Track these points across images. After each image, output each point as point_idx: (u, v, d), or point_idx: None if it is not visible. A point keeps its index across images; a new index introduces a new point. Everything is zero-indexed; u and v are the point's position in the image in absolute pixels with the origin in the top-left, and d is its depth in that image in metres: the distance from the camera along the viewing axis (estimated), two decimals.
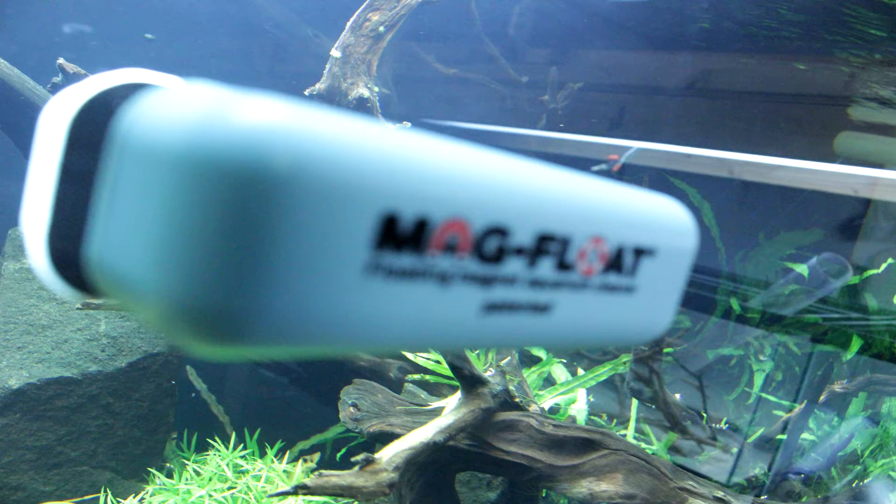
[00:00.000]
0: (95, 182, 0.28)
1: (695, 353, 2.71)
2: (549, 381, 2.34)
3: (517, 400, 1.71)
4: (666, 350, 2.43)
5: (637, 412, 2.31)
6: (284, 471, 2.27)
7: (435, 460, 1.60)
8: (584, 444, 1.60)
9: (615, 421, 2.37)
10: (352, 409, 1.76)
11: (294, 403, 2.84)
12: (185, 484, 2.17)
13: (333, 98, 2.07)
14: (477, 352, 1.90)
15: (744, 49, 2.79)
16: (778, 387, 2.68)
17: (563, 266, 0.32)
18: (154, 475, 2.21)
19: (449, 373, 1.97)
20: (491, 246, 0.29)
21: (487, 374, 1.68)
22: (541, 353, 2.37)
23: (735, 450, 2.23)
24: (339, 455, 2.39)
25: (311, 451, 2.48)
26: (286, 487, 1.26)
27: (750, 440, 2.27)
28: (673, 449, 2.23)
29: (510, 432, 1.63)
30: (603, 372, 2.28)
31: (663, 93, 3.12)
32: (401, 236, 0.25)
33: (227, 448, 2.36)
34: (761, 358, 2.69)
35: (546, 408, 2.08)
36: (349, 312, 0.25)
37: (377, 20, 2.10)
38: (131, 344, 2.19)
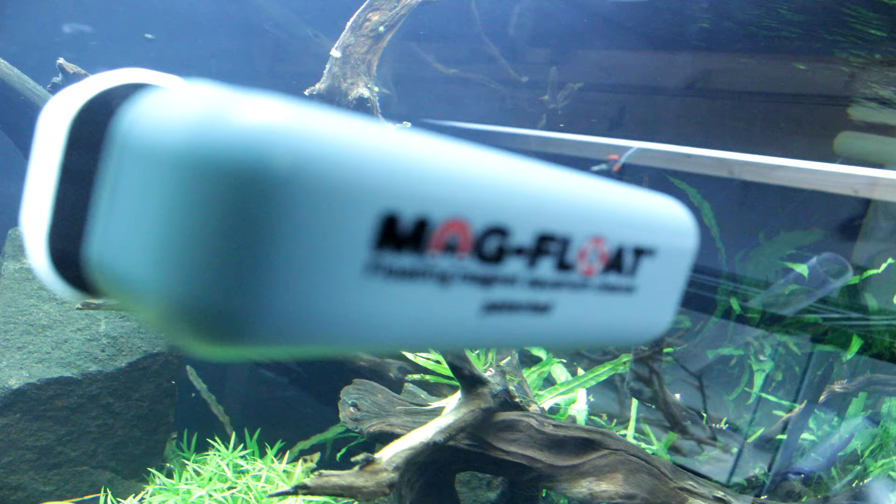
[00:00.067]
0: (95, 182, 0.28)
1: (695, 353, 2.71)
2: (549, 381, 2.34)
3: (517, 400, 1.71)
4: (666, 350, 2.43)
5: (637, 412, 2.31)
6: (284, 471, 2.27)
7: (435, 460, 1.60)
8: (584, 444, 1.60)
9: (615, 421, 2.37)
10: (352, 409, 1.76)
11: (294, 403, 2.84)
12: (185, 484, 2.17)
13: (333, 98, 2.07)
14: (477, 352, 1.90)
15: (744, 49, 2.79)
16: (778, 387, 2.68)
17: (563, 266, 0.32)
18: (154, 475, 2.21)
19: (449, 373, 1.97)
20: (491, 246, 0.29)
21: (487, 374, 1.68)
22: (541, 353, 2.37)
23: (735, 450, 2.23)
24: (339, 455, 2.39)
25: (311, 451, 2.48)
26: (286, 487, 1.26)
27: (750, 440, 2.27)
28: (673, 449, 2.23)
29: (510, 432, 1.63)
30: (603, 372, 2.28)
31: (663, 93, 3.13)
32: (401, 236, 0.25)
33: (227, 448, 2.36)
34: (761, 358, 2.69)
35: (546, 408, 2.08)
36: (349, 312, 0.25)
37: (377, 20, 2.10)
38: (131, 344, 2.19)
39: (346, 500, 1.71)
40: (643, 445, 2.10)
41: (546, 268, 0.31)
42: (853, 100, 2.57)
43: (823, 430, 2.33)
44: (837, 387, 2.29)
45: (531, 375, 2.23)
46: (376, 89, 2.12)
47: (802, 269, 2.33)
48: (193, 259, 0.22)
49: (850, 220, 2.49)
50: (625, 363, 2.28)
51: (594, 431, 1.63)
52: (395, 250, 0.25)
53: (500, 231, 0.29)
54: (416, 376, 2.19)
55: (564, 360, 2.43)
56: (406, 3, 2.12)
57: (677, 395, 2.33)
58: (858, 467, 2.11)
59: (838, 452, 2.18)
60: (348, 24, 2.11)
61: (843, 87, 2.57)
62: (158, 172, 0.23)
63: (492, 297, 0.30)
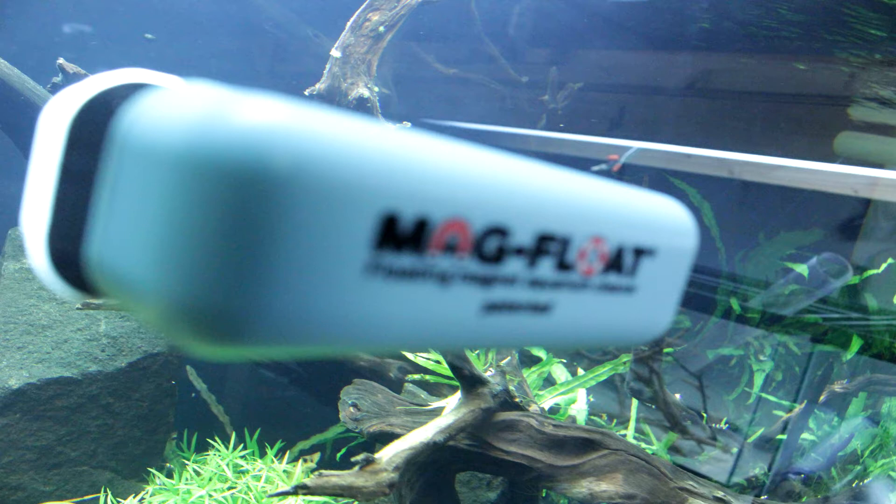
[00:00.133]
0: (95, 182, 0.28)
1: (695, 353, 2.71)
2: (549, 381, 2.34)
3: (517, 400, 1.71)
4: (666, 350, 2.43)
5: (637, 412, 2.31)
6: (284, 471, 2.27)
7: (435, 460, 1.60)
8: (584, 444, 1.60)
9: (615, 421, 2.37)
10: (352, 409, 1.76)
11: (294, 403, 2.84)
12: (185, 484, 2.17)
13: (333, 98, 2.07)
14: (477, 352, 1.90)
15: (744, 49, 2.79)
16: (778, 387, 2.68)
17: (563, 266, 0.32)
18: (154, 475, 2.21)
19: (449, 373, 1.97)
20: (491, 246, 0.29)
21: (487, 374, 1.68)
22: (541, 353, 2.37)
23: (735, 450, 2.23)
24: (339, 455, 2.39)
25: (311, 451, 2.48)
26: (286, 487, 1.26)
27: (750, 440, 2.27)
28: (673, 449, 2.23)
29: (510, 432, 1.63)
30: (603, 372, 2.28)
31: (663, 93, 3.13)
32: (401, 236, 0.25)
33: (227, 448, 2.36)
34: (761, 358, 2.69)
35: (546, 408, 2.08)
36: (349, 312, 0.25)
37: (377, 20, 2.10)
38: (131, 344, 2.19)
39: (346, 500, 1.71)
40: (643, 445, 2.10)
41: (546, 268, 0.31)
42: (853, 100, 2.57)
43: (823, 430, 2.33)
44: (837, 387, 2.29)
45: (531, 375, 2.23)
46: (376, 89, 2.12)
47: (802, 269, 2.33)
48: (193, 259, 0.22)
49: (850, 220, 2.49)
50: (625, 363, 2.28)
51: (594, 431, 1.63)
52: (395, 250, 0.25)
53: (500, 231, 0.29)
54: (416, 376, 2.19)
55: (564, 360, 2.43)
56: (406, 3, 2.12)
57: (677, 395, 2.33)
58: (858, 467, 2.11)
59: (838, 452, 2.18)
60: (348, 24, 2.11)
61: (843, 87, 2.57)
62: (158, 172, 0.23)
63: (492, 297, 0.30)
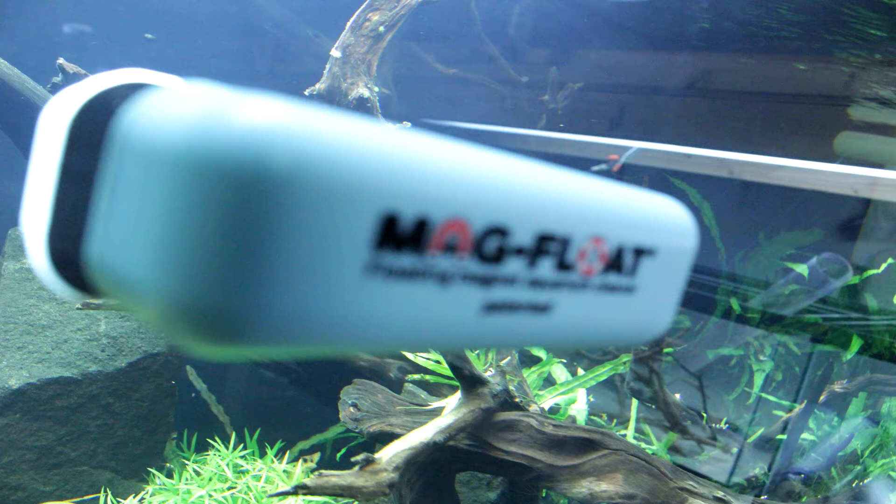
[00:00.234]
0: (95, 182, 0.28)
1: (695, 353, 2.71)
2: (549, 381, 2.34)
3: (517, 400, 1.71)
4: (666, 350, 2.43)
5: (637, 412, 2.31)
6: (284, 471, 2.27)
7: (435, 460, 1.60)
8: (584, 444, 1.60)
9: (615, 421, 2.37)
10: (352, 409, 1.76)
11: (294, 403, 2.84)
12: (185, 484, 2.17)
13: (333, 98, 2.07)
14: (477, 352, 1.90)
15: (744, 49, 2.79)
16: (778, 387, 2.68)
17: (563, 266, 0.32)
18: (154, 475, 2.21)
19: (449, 373, 1.97)
20: (491, 246, 0.29)
21: (487, 374, 1.68)
22: (541, 353, 2.37)
23: (735, 450, 2.23)
24: (339, 455, 2.39)
25: (311, 451, 2.48)
26: (286, 487, 1.26)
27: (750, 440, 2.27)
28: (673, 449, 2.23)
29: (510, 432, 1.63)
30: (603, 372, 2.28)
31: (663, 93, 3.13)
32: (401, 236, 0.25)
33: (227, 448, 2.36)
34: (761, 358, 2.69)
35: (546, 408, 2.08)
36: (349, 312, 0.25)
37: (377, 20, 2.10)
38: (131, 344, 2.19)
39: (346, 500, 1.71)
40: (643, 445, 2.10)
41: (546, 268, 0.31)
42: (853, 100, 2.57)
43: (823, 430, 2.33)
44: (837, 387, 2.29)
45: (531, 375, 2.23)
46: (376, 89, 2.12)
47: (802, 269, 2.33)
48: (193, 259, 0.22)
49: (850, 220, 2.49)
50: (625, 363, 2.28)
51: (594, 431, 1.63)
52: (395, 250, 0.25)
53: (500, 231, 0.29)
54: (416, 376, 2.19)
55: (564, 360, 2.43)
56: (406, 3, 2.12)
57: (677, 395, 2.33)
58: (858, 467, 2.11)
59: (838, 452, 2.18)
60: (348, 24, 2.11)
61: (843, 87, 2.57)
62: (158, 172, 0.23)
63: (492, 297, 0.30)
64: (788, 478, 2.04)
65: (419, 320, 0.28)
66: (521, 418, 1.65)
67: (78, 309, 2.11)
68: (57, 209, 0.30)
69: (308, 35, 3.22)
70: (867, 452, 2.14)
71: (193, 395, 2.52)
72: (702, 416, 2.32)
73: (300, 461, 2.39)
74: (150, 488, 2.18)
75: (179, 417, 2.37)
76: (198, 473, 2.25)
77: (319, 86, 2.09)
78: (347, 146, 0.24)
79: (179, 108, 0.24)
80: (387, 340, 0.27)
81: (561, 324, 0.34)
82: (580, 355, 2.54)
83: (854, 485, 2.08)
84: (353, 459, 1.33)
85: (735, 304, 2.57)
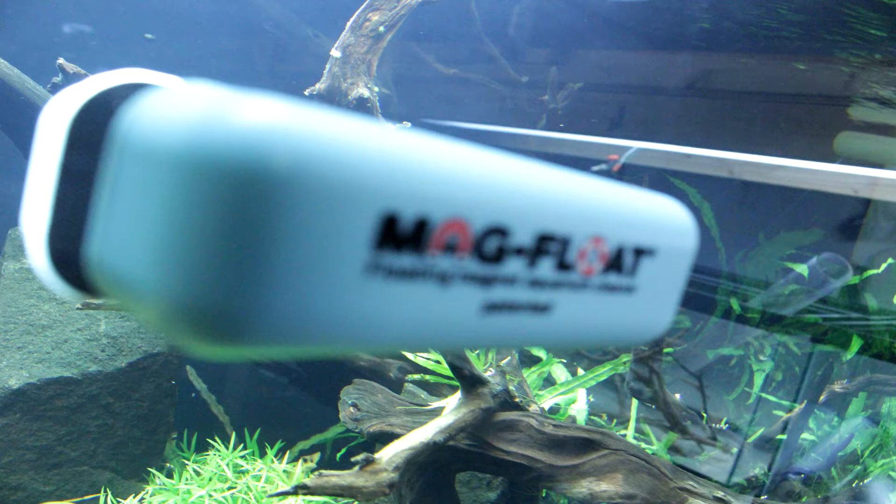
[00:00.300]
0: (95, 182, 0.28)
1: (695, 353, 2.71)
2: (549, 381, 2.34)
3: (517, 400, 1.71)
4: (666, 350, 2.43)
5: (637, 412, 2.31)
6: (284, 471, 2.27)
7: (435, 460, 1.60)
8: (584, 444, 1.60)
9: (615, 421, 2.37)
10: (352, 409, 1.76)
11: (294, 403, 2.84)
12: (185, 484, 2.17)
13: (333, 98, 2.07)
14: (477, 352, 1.90)
15: (744, 49, 2.79)
16: (778, 387, 2.68)
17: (563, 266, 0.32)
18: (154, 475, 2.21)
19: (449, 373, 1.97)
20: (491, 246, 0.29)
21: (487, 374, 1.68)
22: (541, 353, 2.37)
23: (735, 450, 2.23)
24: (339, 455, 2.39)
25: (311, 451, 2.48)
26: (286, 487, 1.26)
27: (750, 440, 2.27)
28: (673, 449, 2.23)
29: (510, 432, 1.63)
30: (603, 372, 2.28)
31: (663, 93, 3.13)
32: (401, 236, 0.25)
33: (227, 448, 2.36)
34: (761, 358, 2.69)
35: (546, 408, 2.08)
36: (349, 312, 0.25)
37: (377, 20, 2.10)
38: (131, 344, 2.19)
39: (346, 500, 1.71)
40: (643, 445, 2.10)
41: (546, 268, 0.31)
42: (853, 100, 2.57)
43: (823, 430, 2.33)
44: (837, 387, 2.29)
45: (531, 375, 2.23)
46: (376, 89, 2.12)
47: (802, 269, 2.33)
48: (193, 259, 0.22)
49: (850, 220, 2.49)
50: (625, 363, 2.28)
51: (594, 431, 1.63)
52: (395, 250, 0.25)
53: (500, 231, 0.29)
54: (416, 376, 2.19)
55: (564, 360, 2.43)
56: (406, 3, 2.12)
57: (677, 395, 2.33)
58: (858, 467, 2.11)
59: (838, 452, 2.18)
60: (348, 24, 2.11)
61: (843, 87, 2.57)
62: (158, 172, 0.23)
63: (492, 297, 0.30)
64: (788, 478, 2.04)
65: (419, 320, 0.28)
66: (521, 418, 1.65)
67: (78, 309, 2.11)
68: (57, 209, 0.30)
69: (308, 35, 3.22)
70: (867, 452, 2.14)
71: (193, 395, 2.52)
72: (702, 416, 2.32)
73: (300, 461, 2.39)
74: (150, 488, 2.18)
75: (179, 417, 2.37)
76: (198, 473, 2.25)
77: (319, 86, 2.09)
78: (347, 146, 0.24)
79: (179, 109, 0.24)
80: (387, 340, 0.27)
81: (561, 324, 0.34)
82: (580, 355, 2.54)
83: (854, 485, 2.08)
84: (353, 459, 1.33)
85: (735, 304, 2.57)
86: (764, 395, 2.58)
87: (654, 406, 2.22)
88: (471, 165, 0.28)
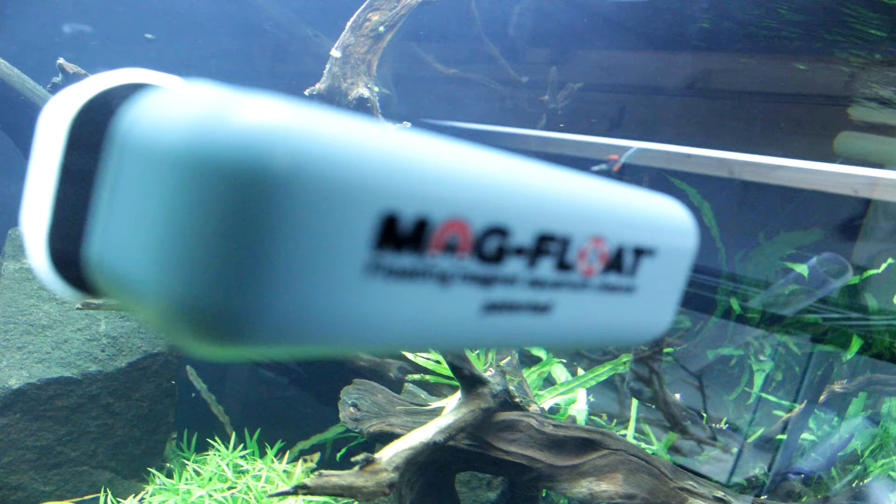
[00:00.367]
0: (95, 182, 0.28)
1: (695, 353, 2.71)
2: (549, 381, 2.34)
3: (517, 400, 1.71)
4: (666, 350, 2.43)
5: (637, 412, 2.31)
6: (284, 471, 2.27)
7: (435, 460, 1.60)
8: (584, 444, 1.60)
9: (615, 421, 2.37)
10: (352, 409, 1.76)
11: (294, 403, 2.84)
12: (185, 484, 2.17)
13: (333, 98, 2.07)
14: (477, 352, 1.90)
15: (744, 49, 2.79)
16: (778, 387, 2.68)
17: (563, 266, 0.32)
18: (154, 475, 2.21)
19: (449, 373, 1.97)
20: (491, 246, 0.29)
21: (487, 374, 1.68)
22: (541, 353, 2.37)
23: (735, 450, 2.23)
24: (339, 455, 2.39)
25: (311, 451, 2.48)
26: (286, 487, 1.26)
27: (750, 440, 2.27)
28: (673, 449, 2.23)
29: (510, 432, 1.63)
30: (603, 372, 2.28)
31: (663, 93, 3.13)
32: (401, 236, 0.25)
33: (227, 448, 2.36)
34: (761, 358, 2.69)
35: (546, 408, 2.08)
36: (349, 312, 0.25)
37: (377, 20, 2.10)
38: (131, 344, 2.19)
39: (346, 500, 1.71)
40: (643, 445, 2.10)
41: (546, 268, 0.31)
42: (853, 100, 2.57)
43: (823, 430, 2.33)
44: (837, 387, 2.29)
45: (531, 375, 2.23)
46: (376, 89, 2.12)
47: (802, 269, 2.33)
48: (193, 259, 0.22)
49: (850, 220, 2.49)
50: (625, 363, 2.28)
51: (594, 431, 1.63)
52: (395, 250, 0.25)
53: (500, 231, 0.29)
54: (416, 376, 2.19)
55: (564, 360, 2.43)
56: (406, 3, 2.12)
57: (677, 395, 2.33)
58: (858, 467, 2.11)
59: (838, 452, 2.18)
60: (348, 24, 2.11)
61: (843, 87, 2.57)
62: (158, 172, 0.23)
63: (492, 297, 0.30)
64: (788, 478, 2.04)
65: (419, 320, 0.28)
66: (521, 418, 1.65)
67: (78, 309, 2.11)
68: (57, 209, 0.30)
69: (308, 35, 3.22)
70: (867, 452, 2.14)
71: (193, 395, 2.52)
72: (702, 416, 2.32)
73: (300, 461, 2.39)
74: (150, 488, 2.18)
75: (179, 417, 2.37)
76: (198, 473, 2.25)
77: (319, 86, 2.09)
78: (347, 146, 0.24)
79: (179, 109, 0.24)
80: (387, 340, 0.27)
81: (561, 324, 0.34)
82: (580, 355, 2.54)
83: (854, 485, 2.08)
84: (353, 459, 1.33)
85: (735, 304, 2.57)
86: (764, 395, 2.58)
87: (654, 406, 2.22)
88: (471, 165, 0.28)
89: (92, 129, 0.29)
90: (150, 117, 0.25)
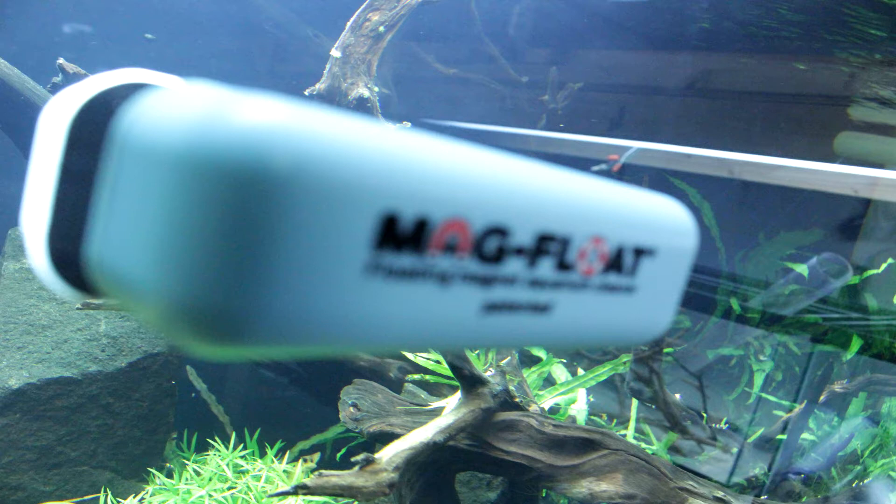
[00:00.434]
0: (95, 182, 0.28)
1: (695, 353, 2.71)
2: (549, 381, 2.34)
3: (517, 400, 1.71)
4: (666, 350, 2.43)
5: (637, 412, 2.31)
6: (284, 471, 2.27)
7: (435, 460, 1.60)
8: (584, 444, 1.60)
9: (615, 421, 2.37)
10: (352, 409, 1.76)
11: (294, 403, 2.84)
12: (185, 484, 2.17)
13: (333, 98, 2.07)
14: (477, 352, 1.90)
15: (744, 49, 2.79)
16: (778, 387, 2.68)
17: (563, 266, 0.32)
18: (154, 475, 2.21)
19: (449, 373, 1.97)
20: (491, 246, 0.29)
21: (487, 374, 1.68)
22: (541, 353, 2.37)
23: (735, 450, 2.23)
24: (339, 455, 2.39)
25: (311, 451, 2.48)
26: (286, 487, 1.26)
27: (750, 440, 2.27)
28: (673, 449, 2.23)
29: (510, 432, 1.63)
30: (603, 372, 2.28)
31: (663, 93, 3.13)
32: (401, 236, 0.25)
33: (227, 448, 2.36)
34: (761, 358, 2.69)
35: (546, 408, 2.08)
36: (349, 312, 0.25)
37: (377, 20, 2.10)
38: (131, 344, 2.19)
39: (346, 500, 1.71)
40: (643, 445, 2.10)
41: (546, 268, 0.31)
42: (853, 100, 2.57)
43: (823, 430, 2.33)
44: (837, 387, 2.29)
45: (531, 375, 2.23)
46: (376, 89, 2.12)
47: (802, 269, 2.33)
48: (193, 259, 0.22)
49: (850, 220, 2.49)
50: (625, 363, 2.28)
51: (594, 431, 1.63)
52: (395, 250, 0.25)
53: (500, 231, 0.29)
54: (416, 376, 2.19)
55: (564, 360, 2.43)
56: (406, 3, 2.12)
57: (677, 395, 2.33)
58: (858, 467, 2.11)
59: (838, 452, 2.18)
60: (348, 24, 2.11)
61: (843, 87, 2.57)
62: (158, 172, 0.23)
63: (492, 297, 0.30)
64: (788, 478, 2.04)
65: (419, 320, 0.28)
66: (521, 418, 1.65)
67: (78, 309, 2.11)
68: (57, 209, 0.30)
69: (308, 35, 3.22)
70: (867, 452, 2.14)
71: (193, 395, 2.52)
72: (702, 416, 2.32)
73: (300, 461, 2.39)
74: (150, 488, 2.18)
75: (179, 417, 2.37)
76: (198, 473, 2.25)
77: (319, 86, 2.09)
78: (347, 146, 0.24)
79: (179, 109, 0.24)
80: (387, 340, 0.27)
81: (561, 324, 0.34)
82: (580, 355, 2.54)
83: (854, 485, 2.08)
84: (353, 459, 1.33)
85: (735, 304, 2.57)
86: (764, 395, 2.58)
87: (654, 406, 2.22)
88: (471, 165, 0.28)
89: (92, 129, 0.29)
90: (150, 117, 0.25)
